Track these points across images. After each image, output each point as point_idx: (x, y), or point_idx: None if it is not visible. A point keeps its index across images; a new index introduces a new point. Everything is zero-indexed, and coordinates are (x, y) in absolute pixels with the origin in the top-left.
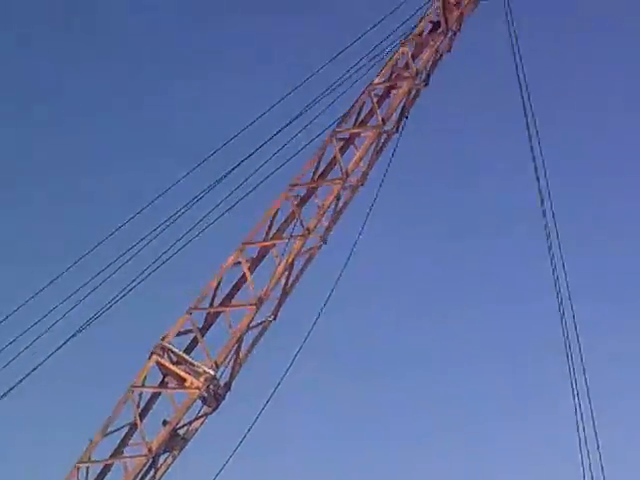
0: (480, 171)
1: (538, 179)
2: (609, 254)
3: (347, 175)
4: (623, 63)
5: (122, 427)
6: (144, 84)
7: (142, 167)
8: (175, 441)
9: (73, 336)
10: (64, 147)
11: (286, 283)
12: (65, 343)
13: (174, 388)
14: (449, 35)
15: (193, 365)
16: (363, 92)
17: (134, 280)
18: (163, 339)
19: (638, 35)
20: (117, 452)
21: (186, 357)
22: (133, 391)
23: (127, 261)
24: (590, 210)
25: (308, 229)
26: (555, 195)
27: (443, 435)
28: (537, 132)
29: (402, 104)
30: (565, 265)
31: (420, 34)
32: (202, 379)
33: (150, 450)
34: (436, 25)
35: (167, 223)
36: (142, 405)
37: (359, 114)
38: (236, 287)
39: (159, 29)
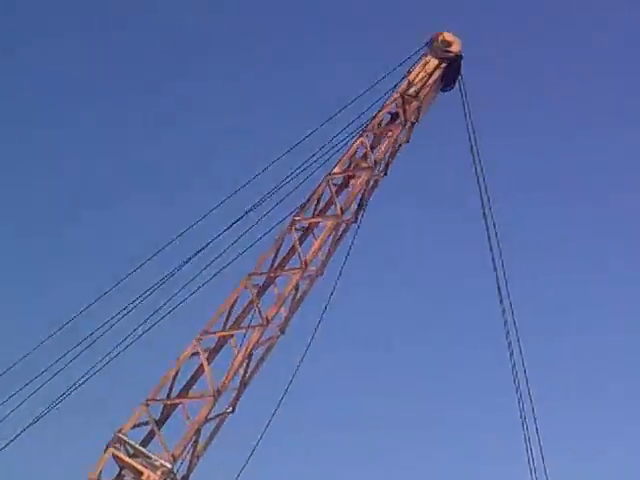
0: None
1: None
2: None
3: (306, 265)
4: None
5: None
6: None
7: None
8: None
9: (23, 430)
10: None
11: (244, 374)
12: (18, 436)
13: None
14: (407, 126)
15: (150, 458)
16: (322, 181)
17: (90, 370)
18: (119, 431)
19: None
20: None
21: (143, 450)
22: None
23: (82, 351)
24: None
25: (267, 319)
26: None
27: None
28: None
29: (361, 194)
30: None
31: (379, 124)
32: (159, 472)
33: None
34: (395, 116)
35: (123, 312)
36: None
37: (318, 203)
38: (194, 378)
39: None
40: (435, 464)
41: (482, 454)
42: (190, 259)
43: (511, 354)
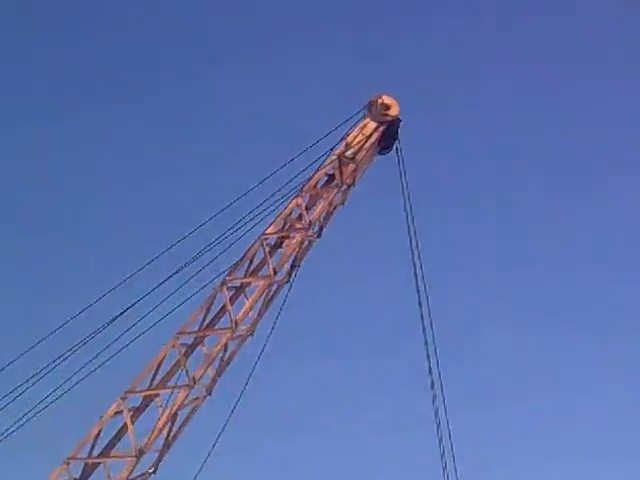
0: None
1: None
2: None
3: (236, 324)
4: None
5: None
6: None
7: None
8: None
9: None
10: None
11: (168, 434)
12: None
13: None
14: (343, 188)
15: None
16: (255, 241)
17: (11, 426)
18: None
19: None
20: None
21: None
22: None
23: (2, 408)
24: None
25: (193, 379)
26: None
27: None
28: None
29: (294, 255)
30: None
31: (315, 186)
32: None
33: None
34: (331, 178)
35: (48, 369)
36: None
37: (251, 263)
38: (117, 437)
39: None
40: None
41: None
42: (119, 316)
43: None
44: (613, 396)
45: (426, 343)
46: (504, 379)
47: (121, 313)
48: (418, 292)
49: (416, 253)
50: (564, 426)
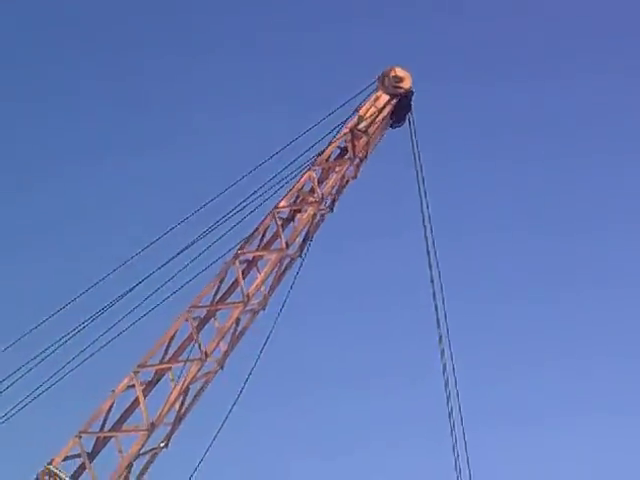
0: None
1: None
2: None
3: (248, 298)
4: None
5: None
6: None
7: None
8: None
9: None
10: None
11: (180, 409)
12: None
13: None
14: (355, 162)
15: None
16: (268, 215)
17: (23, 400)
18: (50, 463)
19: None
20: None
21: None
22: None
23: (16, 380)
24: None
25: (205, 353)
26: None
27: None
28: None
29: (306, 229)
30: None
31: (327, 159)
32: None
33: None
34: (344, 151)
35: (61, 342)
36: None
37: (263, 237)
38: (129, 411)
39: None
40: None
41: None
42: (132, 289)
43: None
44: None
45: (435, 306)
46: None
47: (134, 286)
48: (430, 267)
49: (428, 227)
50: None
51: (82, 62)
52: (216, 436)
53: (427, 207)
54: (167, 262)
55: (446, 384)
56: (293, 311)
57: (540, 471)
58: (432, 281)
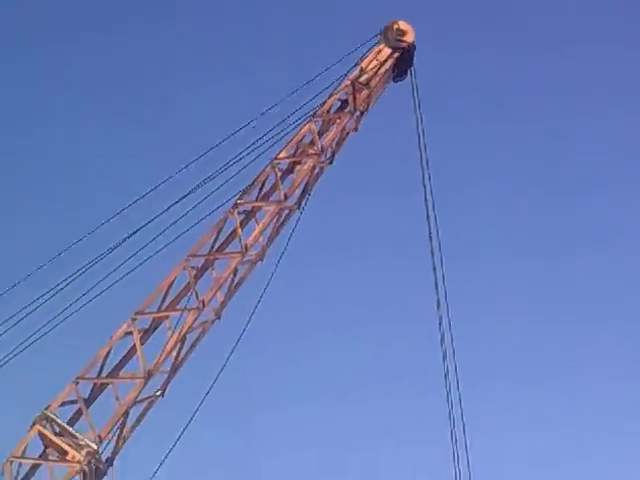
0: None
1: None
2: None
3: (246, 249)
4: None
5: None
6: None
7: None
8: None
9: None
10: None
11: (176, 358)
12: None
13: (55, 461)
14: (356, 115)
15: (76, 438)
16: (267, 166)
17: (21, 344)
18: (47, 408)
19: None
20: None
21: (69, 429)
22: (12, 462)
23: (12, 327)
24: None
25: (203, 302)
26: None
27: None
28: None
29: (305, 181)
30: None
31: (328, 111)
32: (84, 453)
33: None
34: (344, 103)
35: (58, 288)
36: (20, 477)
37: (262, 188)
38: (125, 358)
39: None
40: None
41: None
42: (130, 236)
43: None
44: None
45: (432, 254)
46: None
47: (132, 234)
48: (427, 213)
49: (427, 176)
50: None
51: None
52: (213, 385)
53: (427, 163)
54: (165, 210)
55: (442, 339)
56: (291, 263)
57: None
58: (430, 239)
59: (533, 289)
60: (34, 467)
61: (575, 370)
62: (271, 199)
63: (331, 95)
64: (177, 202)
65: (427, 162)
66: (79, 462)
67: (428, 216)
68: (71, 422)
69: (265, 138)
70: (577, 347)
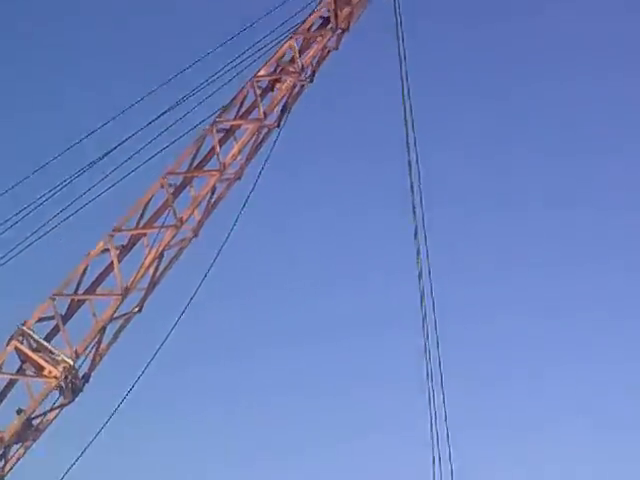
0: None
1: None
2: None
3: (224, 167)
4: None
5: None
6: None
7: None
8: (28, 432)
9: None
10: None
11: (154, 275)
12: None
13: (32, 376)
14: (338, 32)
15: (52, 353)
16: (247, 84)
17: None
18: (24, 324)
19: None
20: None
21: (46, 344)
22: None
23: None
24: None
25: (181, 220)
26: None
27: None
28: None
29: (285, 99)
30: None
31: (309, 29)
32: (60, 368)
33: (1, 440)
34: (326, 21)
35: (36, 205)
36: None
37: (241, 106)
38: (103, 275)
39: None
40: None
41: None
42: (108, 153)
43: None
44: None
45: (412, 189)
46: None
47: (110, 150)
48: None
49: (407, 99)
50: None
51: None
52: (189, 303)
53: (407, 79)
54: (143, 127)
55: (420, 275)
56: (269, 182)
57: None
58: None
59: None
60: (11, 383)
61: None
62: (250, 117)
63: (312, 12)
64: (156, 119)
65: (407, 76)
66: (56, 377)
67: (408, 143)
68: (48, 338)
69: (244, 56)
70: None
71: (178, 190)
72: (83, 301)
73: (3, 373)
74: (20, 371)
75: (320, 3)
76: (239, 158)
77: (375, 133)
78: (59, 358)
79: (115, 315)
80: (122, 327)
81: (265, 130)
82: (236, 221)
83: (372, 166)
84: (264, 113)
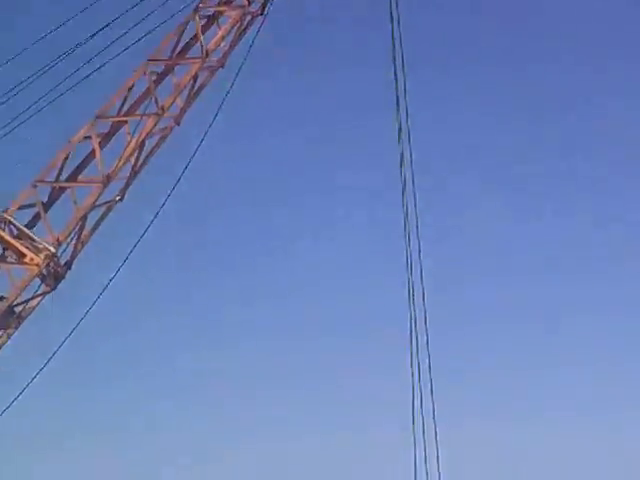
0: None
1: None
2: None
3: (207, 54)
4: None
5: None
6: None
7: None
8: (10, 319)
9: None
10: None
11: (135, 164)
12: None
13: (13, 263)
14: None
15: (34, 241)
16: None
17: None
18: (5, 211)
19: None
20: None
21: (27, 232)
22: None
23: None
24: None
25: (162, 108)
26: None
27: None
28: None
29: None
30: None
31: None
32: (42, 256)
33: None
34: None
35: (19, 88)
36: None
37: None
38: (84, 163)
39: None
40: None
41: None
42: (93, 36)
43: None
44: None
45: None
46: None
47: (92, 35)
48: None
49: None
50: None
51: None
52: (172, 191)
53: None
54: (128, 10)
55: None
56: (252, 71)
57: None
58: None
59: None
60: None
61: None
62: (234, 3)
63: None
64: (137, 4)
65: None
66: (37, 265)
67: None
68: (29, 226)
69: None
70: None
71: (160, 78)
72: (65, 189)
73: None
74: (1, 258)
75: None
76: (222, 45)
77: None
78: (41, 246)
79: (97, 203)
80: (104, 215)
81: (249, 17)
82: (216, 114)
83: None
84: (248, 0)
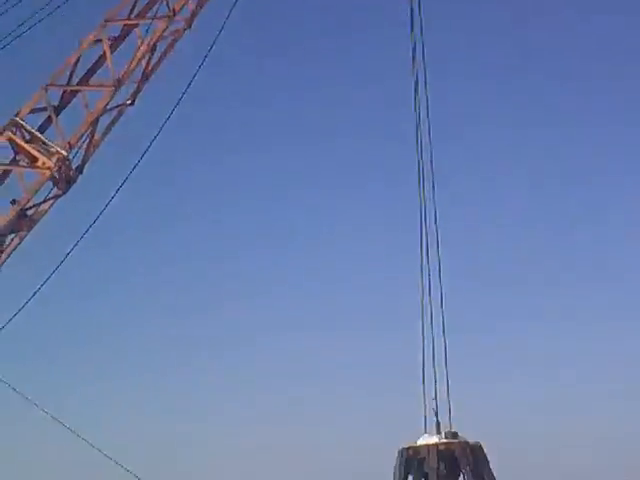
0: None
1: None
2: None
3: None
4: None
5: None
6: None
7: None
8: (23, 222)
9: None
10: None
11: (147, 67)
12: None
13: (25, 167)
14: None
15: (46, 144)
16: None
17: None
18: (16, 115)
19: None
20: None
21: (39, 135)
22: None
23: None
24: None
25: (173, 10)
26: None
27: None
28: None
29: None
30: None
31: None
32: (54, 159)
33: None
34: None
35: None
36: None
37: None
38: (95, 67)
39: None
40: None
41: None
42: None
43: None
44: None
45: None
46: None
47: None
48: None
49: None
50: None
51: None
52: (182, 98)
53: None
54: None
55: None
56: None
57: None
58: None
59: None
60: (4, 174)
61: None
62: None
63: None
64: None
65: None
66: (49, 168)
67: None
68: (41, 130)
69: None
70: None
71: None
72: (76, 92)
73: None
74: (14, 162)
75: None
76: None
77: None
78: (53, 150)
79: (108, 107)
80: (115, 120)
81: None
82: (227, 17)
83: None
84: None
